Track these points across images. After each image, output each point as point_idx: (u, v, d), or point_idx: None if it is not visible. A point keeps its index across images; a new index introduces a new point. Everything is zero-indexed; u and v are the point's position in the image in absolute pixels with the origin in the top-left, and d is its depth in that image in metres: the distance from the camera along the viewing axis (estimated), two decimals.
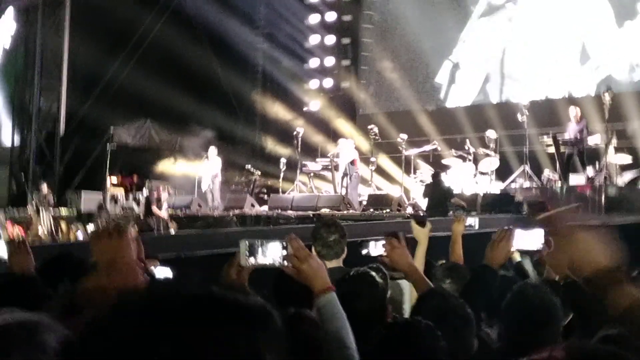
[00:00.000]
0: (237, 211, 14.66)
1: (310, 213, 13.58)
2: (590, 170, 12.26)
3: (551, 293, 2.82)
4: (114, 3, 17.97)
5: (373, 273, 3.07)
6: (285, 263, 2.26)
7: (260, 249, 2.27)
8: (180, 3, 20.13)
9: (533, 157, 13.74)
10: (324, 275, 2.29)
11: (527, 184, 13.20)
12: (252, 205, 15.20)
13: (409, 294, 3.12)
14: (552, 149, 13.03)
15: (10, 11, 20.52)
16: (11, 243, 3.05)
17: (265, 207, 15.15)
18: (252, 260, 2.28)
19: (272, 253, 2.27)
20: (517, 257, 4.24)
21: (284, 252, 2.26)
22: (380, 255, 3.28)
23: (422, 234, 4.14)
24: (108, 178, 17.64)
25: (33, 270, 2.96)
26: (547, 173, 13.14)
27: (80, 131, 19.71)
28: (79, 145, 19.42)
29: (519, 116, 13.37)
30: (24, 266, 2.95)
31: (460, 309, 2.63)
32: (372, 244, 3.36)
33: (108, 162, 17.72)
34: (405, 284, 3.41)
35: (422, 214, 4.41)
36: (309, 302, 2.35)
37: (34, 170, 19.31)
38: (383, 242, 3.28)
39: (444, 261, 4.36)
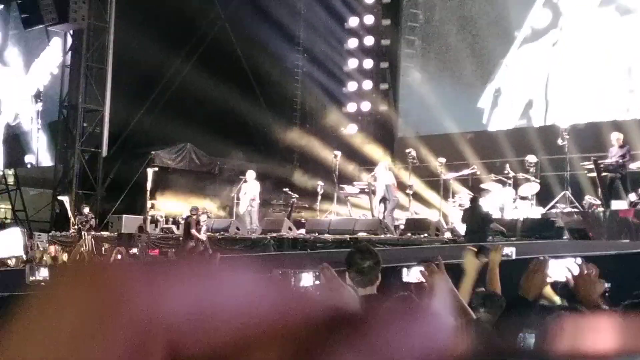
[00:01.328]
0: (274, 234, 14.70)
1: (348, 237, 13.56)
2: (632, 196, 12.03)
3: None
4: (157, 27, 18.36)
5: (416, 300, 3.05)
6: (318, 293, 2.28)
7: (293, 279, 2.30)
8: (223, 30, 20.50)
9: (574, 182, 13.55)
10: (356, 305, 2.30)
11: (568, 209, 12.99)
12: (290, 229, 15.23)
13: None
14: (593, 174, 12.83)
15: (57, 41, 21.09)
16: (51, 268, 3.15)
17: (302, 230, 15.18)
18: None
19: (305, 282, 2.30)
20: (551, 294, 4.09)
21: (317, 282, 2.28)
22: (420, 281, 3.28)
23: (471, 265, 4.10)
24: (149, 201, 17.90)
25: None
26: (589, 198, 12.93)
27: (123, 154, 20.09)
28: (121, 167, 19.78)
29: (559, 140, 13.22)
30: None
31: (494, 342, 2.60)
32: (408, 270, 3.35)
33: (149, 184, 18.00)
34: None
35: (486, 247, 4.28)
36: None
37: (76, 192, 19.69)
38: (420, 268, 3.27)
39: (482, 289, 4.32)
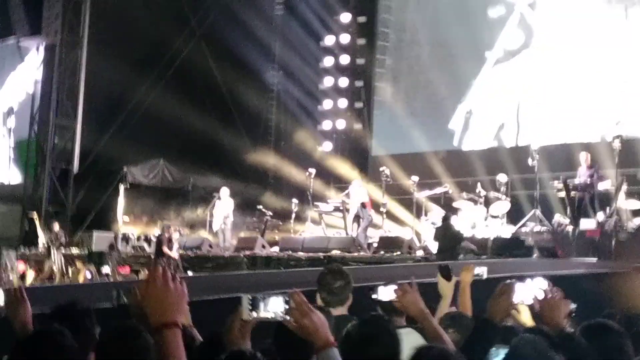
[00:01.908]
0: (248, 252, 14.65)
1: (321, 255, 13.57)
2: (600, 215, 12.21)
3: (549, 347, 2.80)
4: (130, 45, 18.31)
5: (388, 320, 3.04)
6: (288, 317, 2.28)
7: (262, 303, 2.29)
8: (198, 43, 20.51)
9: (544, 201, 13.71)
10: (326, 330, 2.30)
11: (538, 228, 13.14)
12: (263, 247, 15.19)
13: (406, 344, 3.11)
14: (563, 194, 13.01)
15: (31, 57, 20.83)
16: (7, 291, 3.04)
17: (276, 248, 15.15)
18: (254, 314, 2.30)
19: (274, 307, 2.29)
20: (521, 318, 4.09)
21: (286, 306, 2.28)
22: (392, 300, 3.28)
23: (447, 288, 4.13)
24: (120, 218, 17.76)
25: (30, 319, 2.95)
26: (558, 217, 13.09)
27: (94, 170, 19.90)
28: (92, 184, 19.59)
29: (529, 160, 13.39)
30: (21, 315, 2.94)
31: None
32: (381, 288, 3.36)
33: (121, 201, 17.86)
34: (405, 333, 3.39)
35: (448, 266, 4.30)
36: (311, 353, 2.36)
37: (46, 208, 19.44)
38: (394, 287, 3.28)
39: (453, 308, 4.34)
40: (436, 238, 12.94)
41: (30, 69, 20.69)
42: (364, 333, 2.77)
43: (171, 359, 2.04)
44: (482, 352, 2.99)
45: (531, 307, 3.48)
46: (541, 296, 3.15)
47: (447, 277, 4.17)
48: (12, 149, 21.37)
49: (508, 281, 3.12)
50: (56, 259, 16.11)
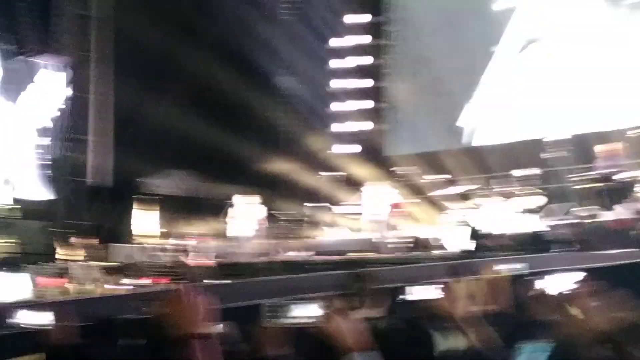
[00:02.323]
0: (265, 258, 14.62)
1: (339, 257, 13.50)
2: (623, 206, 12.04)
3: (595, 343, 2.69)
4: (139, 57, 18.34)
5: (425, 322, 2.97)
6: (316, 323, 2.23)
7: (284, 311, 2.25)
8: (206, 53, 20.53)
9: (565, 194, 13.56)
10: (351, 335, 2.25)
11: (560, 222, 12.98)
12: (285, 252, 15.16)
13: (444, 345, 3.03)
14: (583, 185, 12.87)
15: (43, 75, 20.91)
16: (53, 309, 3.05)
17: (293, 253, 15.10)
18: (275, 320, 2.27)
19: (297, 314, 2.25)
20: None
21: (309, 312, 2.23)
22: (430, 300, 3.24)
23: (478, 288, 4.05)
24: (138, 229, 17.80)
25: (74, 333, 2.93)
26: (580, 210, 12.94)
27: (109, 183, 19.97)
28: (108, 196, 19.65)
29: (548, 153, 13.27)
30: (64, 331, 2.94)
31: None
32: (414, 289, 3.31)
33: (138, 212, 17.90)
34: (443, 335, 3.31)
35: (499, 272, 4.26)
36: (335, 358, 2.30)
37: (64, 223, 19.52)
38: (427, 287, 3.23)
39: (490, 306, 4.25)
40: (460, 236, 12.82)
41: (41, 88, 20.79)
42: (403, 335, 2.71)
43: None
44: (523, 349, 2.90)
45: (576, 302, 3.36)
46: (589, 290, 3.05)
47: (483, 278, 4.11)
48: (34, 166, 21.52)
49: (546, 277, 3.02)
50: (86, 273, 16.15)
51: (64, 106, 20.06)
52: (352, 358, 2.27)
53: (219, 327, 3.53)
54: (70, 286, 15.60)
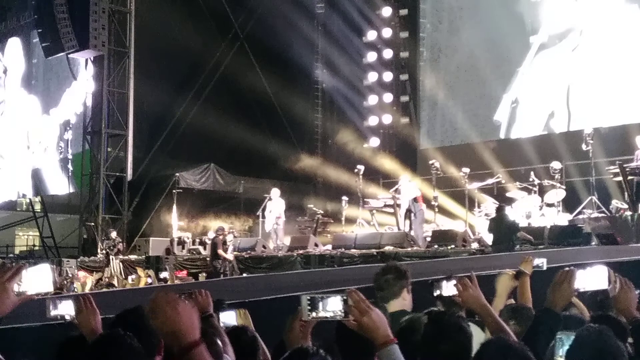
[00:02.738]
0: (301, 251, 14.72)
1: (374, 251, 13.55)
2: None
3: (617, 337, 2.72)
4: (176, 52, 18.57)
5: (458, 315, 3.01)
6: (346, 316, 2.29)
7: (321, 303, 2.30)
8: (242, 46, 20.69)
9: (601, 187, 13.41)
10: (385, 327, 2.30)
11: (595, 215, 12.85)
12: (316, 245, 15.24)
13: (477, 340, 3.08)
14: (619, 178, 12.68)
15: (83, 72, 21.26)
16: (77, 300, 3.09)
17: (329, 246, 15.18)
18: (313, 314, 2.31)
19: (333, 306, 2.30)
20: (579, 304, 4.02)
21: (345, 306, 2.28)
22: (453, 295, 3.25)
23: (504, 287, 4.08)
24: (175, 222, 18.03)
25: (99, 326, 3.01)
26: (616, 203, 12.79)
27: (147, 177, 20.26)
28: (146, 191, 19.94)
29: (583, 145, 13.11)
30: (91, 322, 3.00)
31: (522, 357, 2.58)
32: (444, 284, 3.33)
33: (175, 206, 18.13)
34: (474, 329, 3.37)
35: (522, 271, 4.27)
36: (373, 351, 2.36)
37: (103, 217, 19.85)
38: (453, 282, 3.25)
39: (512, 301, 4.29)
40: (491, 229, 12.76)
41: (82, 85, 21.14)
42: (436, 329, 2.76)
43: None
44: (544, 341, 2.93)
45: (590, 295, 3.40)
46: (616, 283, 3.07)
47: (515, 278, 4.14)
48: (70, 160, 21.89)
49: (567, 268, 3.04)
50: (115, 266, 16.47)
51: (102, 100, 20.35)
52: (393, 351, 2.30)
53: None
54: (109, 279, 15.93)
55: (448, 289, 3.28)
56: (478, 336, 2.97)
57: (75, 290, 14.11)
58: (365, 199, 16.08)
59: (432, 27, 19.35)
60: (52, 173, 22.53)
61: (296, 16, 19.89)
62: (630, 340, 3.03)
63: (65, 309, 3.07)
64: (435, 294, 3.41)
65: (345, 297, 2.28)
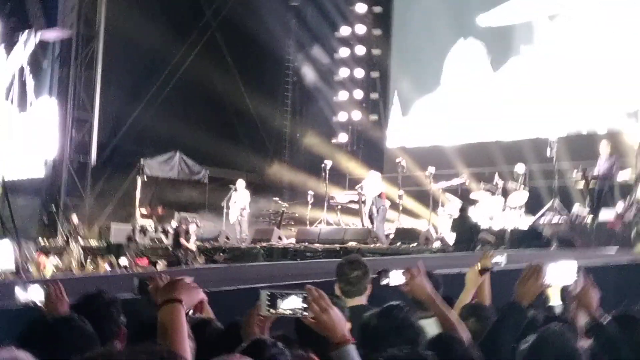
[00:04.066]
0: (264, 244, 14.69)
1: (337, 246, 13.57)
2: (620, 206, 12.08)
3: (575, 339, 2.75)
4: (146, 37, 18.31)
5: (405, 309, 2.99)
6: (305, 313, 2.27)
7: (280, 300, 2.29)
8: (213, 36, 20.50)
9: (563, 192, 13.60)
10: (343, 327, 2.28)
11: (556, 219, 13.03)
12: (280, 238, 15.22)
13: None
14: (582, 184, 12.89)
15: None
16: (47, 287, 3.08)
17: (292, 240, 15.17)
18: (272, 310, 2.30)
19: (292, 304, 2.29)
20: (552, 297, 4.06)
21: (304, 303, 2.27)
22: (399, 285, 3.25)
23: (472, 282, 4.08)
24: (138, 210, 17.83)
25: (68, 311, 2.98)
26: (577, 208, 12.99)
27: (111, 163, 19.98)
28: (110, 176, 19.67)
29: (548, 151, 13.28)
30: (59, 310, 2.99)
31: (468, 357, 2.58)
32: (392, 273, 3.32)
33: (138, 193, 17.93)
34: (427, 324, 3.37)
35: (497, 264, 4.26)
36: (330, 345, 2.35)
37: (64, 201, 19.55)
38: (400, 271, 3.24)
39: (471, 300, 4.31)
40: (453, 229, 12.89)
41: (45, 64, 20.71)
42: (384, 324, 2.75)
43: (170, 332, 2.09)
44: (509, 335, 2.94)
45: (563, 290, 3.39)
46: (581, 280, 3.10)
47: (483, 272, 4.13)
48: (29, 142, 21.47)
49: (537, 261, 3.04)
50: (75, 251, 16.23)
51: (69, 82, 20.00)
52: (348, 351, 2.28)
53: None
54: (69, 264, 15.70)
55: (396, 278, 3.27)
56: (433, 330, 2.99)
57: (30, 271, 13.84)
58: (331, 195, 16.10)
59: (405, 27, 19.38)
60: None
61: (270, 8, 19.75)
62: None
63: (35, 294, 3.07)
64: (382, 283, 3.40)
65: (305, 295, 2.27)
